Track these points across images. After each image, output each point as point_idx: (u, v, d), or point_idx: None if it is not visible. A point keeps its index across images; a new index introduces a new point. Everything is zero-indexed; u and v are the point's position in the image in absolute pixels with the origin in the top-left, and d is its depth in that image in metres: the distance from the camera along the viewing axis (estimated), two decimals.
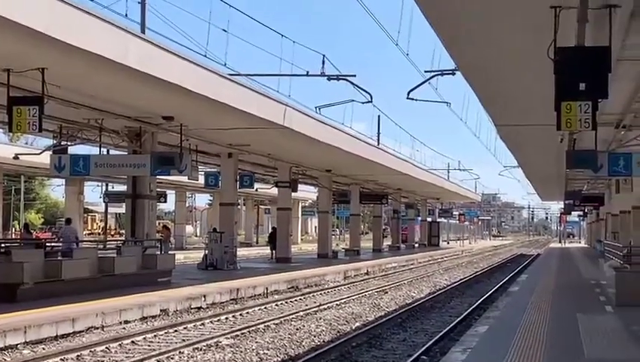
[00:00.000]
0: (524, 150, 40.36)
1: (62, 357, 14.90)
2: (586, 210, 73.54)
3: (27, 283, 20.68)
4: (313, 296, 28.96)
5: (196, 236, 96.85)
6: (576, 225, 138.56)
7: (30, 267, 21.14)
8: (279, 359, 16.10)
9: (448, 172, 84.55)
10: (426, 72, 30.90)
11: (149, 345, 16.97)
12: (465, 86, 22.24)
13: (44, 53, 17.66)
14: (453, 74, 27.16)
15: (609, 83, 12.53)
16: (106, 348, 16.24)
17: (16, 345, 15.52)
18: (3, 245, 26.16)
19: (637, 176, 25.89)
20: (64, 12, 17.21)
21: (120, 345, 16.68)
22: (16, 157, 43.54)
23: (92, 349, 15.88)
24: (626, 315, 18.62)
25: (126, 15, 23.80)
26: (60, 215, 64.50)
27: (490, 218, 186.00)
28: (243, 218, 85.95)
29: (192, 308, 22.67)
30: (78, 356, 15.26)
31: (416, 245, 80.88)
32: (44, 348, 15.72)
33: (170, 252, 36.03)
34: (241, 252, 43.94)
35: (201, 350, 16.51)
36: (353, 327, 21.12)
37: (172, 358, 15.43)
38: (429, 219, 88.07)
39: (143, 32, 24.20)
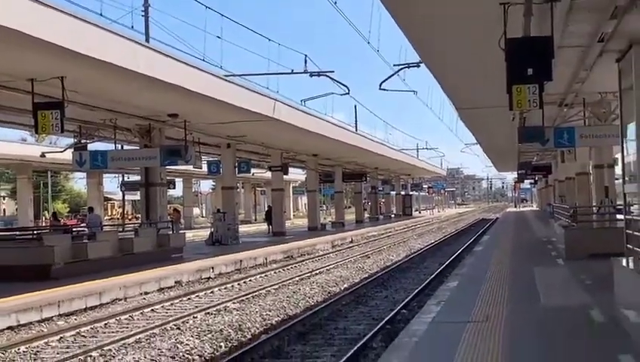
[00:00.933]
0: (481, 129, 40.46)
1: (91, 326, 14.94)
2: (536, 178, 73.63)
3: (58, 263, 20.68)
4: (306, 263, 29.04)
5: (202, 217, 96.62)
6: (528, 192, 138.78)
7: (60, 249, 21.14)
8: (280, 318, 16.18)
9: (417, 151, 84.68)
10: (394, 65, 30.88)
11: (166, 312, 17.03)
12: (429, 76, 22.22)
13: (63, 63, 17.61)
14: (418, 66, 27.16)
15: (552, 67, 12.57)
16: (130, 316, 16.31)
17: (52, 317, 15.57)
18: (35, 232, 26.09)
19: (579, 146, 25.97)
20: (81, 28, 17.21)
21: (141, 313, 16.74)
22: (42, 156, 43.43)
23: (117, 318, 15.95)
24: (574, 266, 18.75)
25: (132, 27, 23.79)
26: (84, 204, 64.37)
27: (454, 189, 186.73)
28: (242, 199, 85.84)
29: (202, 279, 22.73)
30: (105, 324, 15.32)
31: (393, 216, 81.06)
32: (75, 319, 15.75)
33: (180, 231, 36.05)
34: (242, 228, 43.91)
35: (211, 314, 16.57)
36: (342, 288, 21.23)
37: (187, 322, 15.46)
38: (403, 193, 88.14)
39: (147, 41, 24.17)
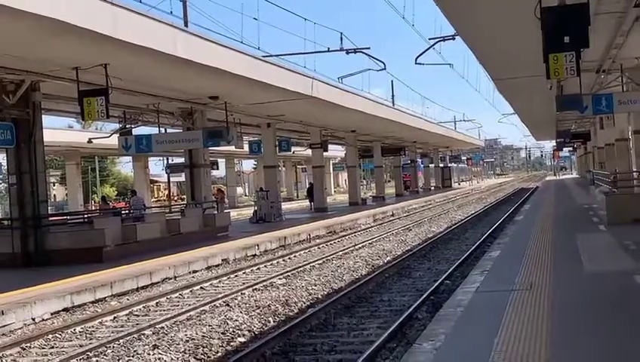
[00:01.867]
0: (519, 99, 40.09)
1: (144, 306, 15.12)
2: (575, 146, 73.01)
3: (109, 245, 20.93)
4: (349, 237, 29.06)
5: (245, 196, 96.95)
6: (567, 160, 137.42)
7: (110, 232, 21.38)
8: (325, 292, 16.22)
9: (455, 123, 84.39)
10: (430, 39, 30.76)
11: (215, 289, 17.17)
12: (465, 48, 22.11)
13: (106, 51, 17.71)
14: (454, 39, 27.00)
15: (589, 34, 12.41)
16: (180, 294, 16.46)
17: (105, 297, 15.78)
18: (86, 216, 26.39)
19: (617, 112, 25.66)
20: (122, 15, 17.28)
21: (191, 291, 16.89)
22: (89, 141, 43.76)
23: (168, 296, 16.11)
24: (617, 232, 18.54)
25: (171, 12, 23.87)
26: (131, 187, 64.97)
27: (493, 160, 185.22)
28: (284, 177, 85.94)
29: (248, 256, 22.85)
30: (157, 303, 15.49)
31: (432, 188, 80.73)
32: (128, 299, 15.94)
33: (225, 211, 36.26)
34: (285, 206, 44.08)
35: (259, 290, 16.66)
36: (385, 261, 21.22)
37: (235, 299, 15.56)
38: (442, 165, 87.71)
39: (186, 25, 24.20)
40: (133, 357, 10.80)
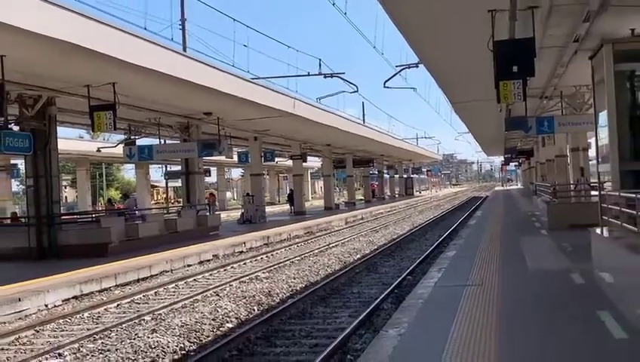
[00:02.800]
0: (473, 119, 40.33)
1: (144, 294, 15.05)
2: (520, 161, 73.37)
3: (114, 241, 20.84)
4: (324, 237, 29.05)
5: (234, 200, 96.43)
6: (513, 173, 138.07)
7: (115, 230, 21.31)
8: (303, 285, 16.22)
9: (417, 140, 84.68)
10: (397, 66, 30.86)
11: (206, 281, 17.11)
12: (427, 75, 22.21)
13: (115, 71, 17.67)
14: (417, 66, 27.09)
15: (534, 65, 12.51)
16: (175, 285, 16.39)
17: (109, 287, 15.69)
18: (94, 215, 26.24)
19: (557, 133, 25.87)
20: (130, 40, 17.30)
21: (185, 282, 16.82)
22: (98, 150, 43.66)
23: (165, 287, 16.04)
24: (556, 236, 18.68)
25: (172, 39, 23.93)
26: (133, 191, 64.68)
27: (449, 172, 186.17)
28: (268, 184, 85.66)
29: (235, 252, 22.78)
30: (155, 292, 15.42)
31: (397, 195, 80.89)
32: (130, 289, 15.85)
33: (216, 212, 36.10)
34: (268, 209, 43.95)
35: (245, 282, 16.62)
36: (355, 258, 21.23)
37: (224, 290, 15.51)
38: (405, 176, 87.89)
39: (184, 50, 24.20)
40: (134, 339, 10.74)
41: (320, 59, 31.16)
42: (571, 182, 27.99)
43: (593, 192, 22.07)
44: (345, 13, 23.62)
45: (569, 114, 24.62)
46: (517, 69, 12.38)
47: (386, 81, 37.95)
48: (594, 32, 14.06)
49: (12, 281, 14.79)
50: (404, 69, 29.56)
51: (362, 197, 68.38)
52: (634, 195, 9.81)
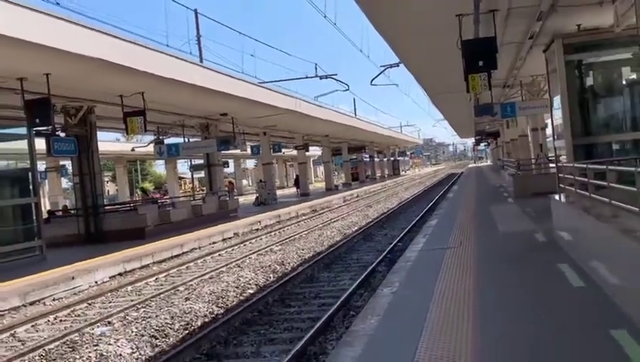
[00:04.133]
0: (447, 108, 40.23)
1: (177, 269, 15.11)
2: (489, 141, 73.13)
3: (149, 225, 20.86)
4: (326, 214, 29.11)
5: (249, 186, 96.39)
6: (483, 152, 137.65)
7: (150, 215, 21.32)
8: (310, 254, 16.28)
9: (401, 128, 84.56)
10: (381, 66, 30.79)
11: (229, 255, 17.17)
12: (406, 73, 22.13)
13: (143, 82, 17.64)
14: (398, 65, 27.02)
15: (497, 60, 12.46)
16: (204, 260, 16.45)
17: (148, 264, 15.75)
18: (132, 204, 26.26)
19: (519, 116, 25.81)
20: (157, 56, 17.27)
21: (212, 257, 16.88)
22: (132, 150, 43.59)
23: (195, 262, 16.10)
24: (521, 203, 18.71)
25: (190, 52, 23.74)
26: (164, 182, 64.72)
27: (429, 153, 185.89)
28: (277, 171, 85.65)
29: (252, 230, 22.83)
30: (187, 267, 15.48)
31: (386, 176, 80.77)
32: (165, 265, 15.90)
33: (234, 197, 36.07)
34: (278, 192, 43.95)
35: (261, 254, 16.69)
36: (353, 230, 21.30)
37: (245, 261, 15.59)
38: (392, 159, 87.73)
39: (201, 61, 24.09)
40: (171, 307, 10.80)
41: (316, 64, 31.41)
42: (532, 157, 27.95)
43: (551, 165, 22.04)
44: (335, 24, 23.66)
45: (528, 99, 24.50)
46: (482, 64, 12.31)
47: (372, 80, 38.11)
48: (546, 29, 13.98)
49: (66, 263, 14.85)
50: (387, 68, 29.55)
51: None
52: (585, 166, 9.81)
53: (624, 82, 13.49)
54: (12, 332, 9.94)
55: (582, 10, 12.87)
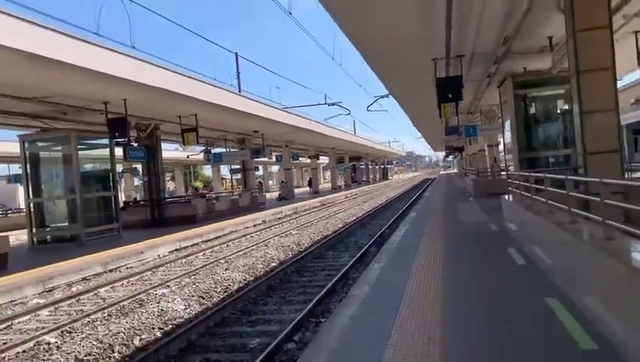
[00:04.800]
0: (425, 129, 40.18)
1: (219, 246, 15.09)
2: (456, 154, 72.67)
3: (199, 214, 20.89)
4: (332, 207, 29.05)
5: (273, 185, 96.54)
6: (452, 162, 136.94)
7: (200, 206, 21.35)
8: (319, 237, 16.23)
9: (389, 143, 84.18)
10: (374, 96, 30.89)
11: (258, 237, 17.13)
12: (394, 101, 22.12)
13: (197, 107, 17.68)
14: (388, 96, 26.92)
15: (463, 93, 12.45)
16: (239, 240, 16.42)
17: (197, 243, 15.77)
18: (186, 198, 26.35)
19: (479, 135, 25.68)
20: (206, 87, 17.29)
21: (245, 238, 16.87)
22: (187, 157, 43.68)
23: (233, 241, 16.09)
24: (479, 201, 18.63)
25: (231, 85, 23.74)
26: (211, 181, 64.97)
27: (410, 163, 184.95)
28: (295, 174, 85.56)
29: (276, 218, 22.82)
30: (226, 245, 15.48)
31: (377, 180, 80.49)
32: (210, 243, 15.88)
33: (263, 194, 36.18)
34: (296, 191, 43.98)
35: (282, 237, 16.68)
36: (352, 220, 21.25)
37: (269, 242, 15.58)
38: (382, 166, 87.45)
39: (239, 91, 24.12)
40: (214, 275, 10.84)
41: (325, 94, 31.43)
42: (488, 167, 27.85)
43: (502, 173, 21.93)
44: (340, 64, 23.66)
45: (485, 123, 24.44)
46: (451, 96, 12.34)
47: (368, 106, 37.97)
48: (500, 70, 13.96)
49: (136, 241, 14.95)
50: (379, 98, 29.41)
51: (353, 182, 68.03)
52: (528, 173, 9.79)
53: (559, 111, 13.46)
54: (96, 291, 10.03)
55: (528, 56, 12.87)
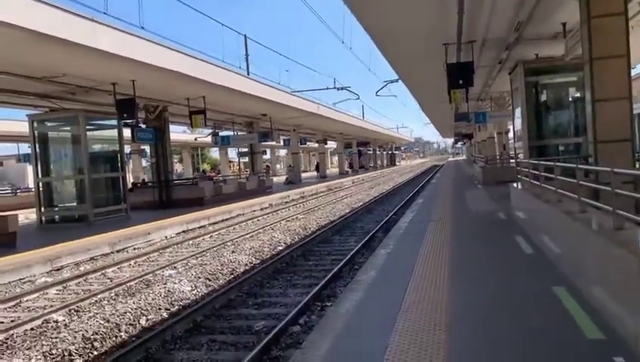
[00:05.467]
0: (435, 115, 39.91)
1: (226, 229, 15.14)
2: (465, 141, 72.29)
3: (206, 196, 20.96)
4: (338, 192, 29.03)
5: (281, 169, 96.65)
6: (460, 149, 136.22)
7: (207, 189, 21.43)
8: (326, 222, 16.25)
9: (398, 128, 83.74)
10: (384, 81, 30.62)
11: (265, 221, 17.17)
12: (403, 87, 21.93)
13: (204, 88, 17.64)
14: (397, 81, 26.73)
15: (473, 79, 12.32)
16: (246, 223, 16.45)
17: (205, 225, 15.83)
18: (194, 180, 26.43)
19: (488, 122, 25.54)
20: (215, 70, 17.23)
21: (252, 221, 16.91)
22: (195, 140, 43.71)
23: (239, 224, 16.11)
24: (487, 188, 18.56)
25: (240, 67, 23.68)
26: (218, 164, 65.09)
27: (418, 149, 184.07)
28: (302, 158, 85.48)
29: (283, 202, 22.84)
30: (233, 228, 15.51)
31: (385, 165, 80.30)
32: (217, 226, 15.93)
33: (270, 177, 36.21)
34: (303, 175, 43.97)
35: (289, 221, 16.70)
36: (359, 205, 21.23)
37: (276, 225, 15.62)
38: (390, 152, 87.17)
39: (248, 74, 24.03)
40: (221, 257, 10.89)
41: (335, 78, 31.02)
42: (497, 154, 27.67)
43: (511, 160, 21.79)
44: (350, 48, 23.47)
45: (496, 110, 24.24)
46: (462, 82, 12.21)
47: (377, 91, 37.71)
48: (511, 56, 13.78)
49: (144, 222, 15.04)
50: (388, 83, 29.20)
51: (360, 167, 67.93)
52: (537, 162, 9.70)
53: (570, 99, 13.28)
54: (103, 271, 10.12)
55: (540, 42, 12.67)
